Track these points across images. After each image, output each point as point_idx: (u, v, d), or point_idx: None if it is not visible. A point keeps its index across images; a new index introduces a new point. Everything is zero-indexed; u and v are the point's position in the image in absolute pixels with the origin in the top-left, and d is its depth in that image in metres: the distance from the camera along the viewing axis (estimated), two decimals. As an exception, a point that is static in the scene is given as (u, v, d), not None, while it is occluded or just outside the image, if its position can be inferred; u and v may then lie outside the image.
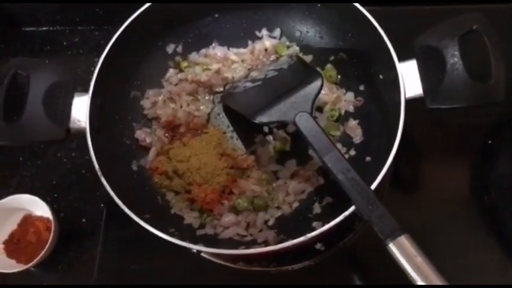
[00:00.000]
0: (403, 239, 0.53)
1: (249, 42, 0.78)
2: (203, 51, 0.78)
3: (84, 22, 0.95)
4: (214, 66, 0.76)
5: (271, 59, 0.77)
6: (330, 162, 0.58)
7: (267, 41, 0.77)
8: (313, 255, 0.70)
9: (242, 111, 0.66)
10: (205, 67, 0.76)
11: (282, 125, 0.70)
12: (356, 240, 0.71)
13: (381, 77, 0.68)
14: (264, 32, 0.78)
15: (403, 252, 0.52)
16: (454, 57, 0.59)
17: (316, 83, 0.62)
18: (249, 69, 0.76)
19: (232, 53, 0.77)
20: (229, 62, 0.77)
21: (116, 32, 0.70)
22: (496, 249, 0.69)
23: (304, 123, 0.60)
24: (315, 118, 0.61)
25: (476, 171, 0.75)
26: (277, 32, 0.78)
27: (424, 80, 0.61)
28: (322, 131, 0.59)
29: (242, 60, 0.77)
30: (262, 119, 0.62)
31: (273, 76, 0.69)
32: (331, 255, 0.70)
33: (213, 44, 0.78)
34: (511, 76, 0.59)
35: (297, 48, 0.77)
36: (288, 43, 0.78)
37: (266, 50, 0.77)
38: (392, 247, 0.53)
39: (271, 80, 0.68)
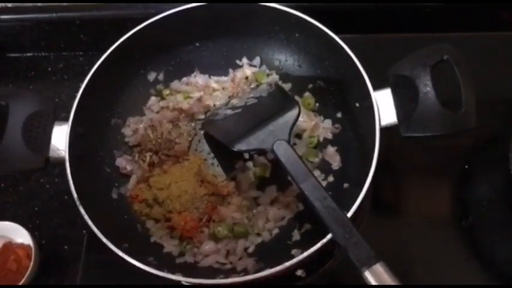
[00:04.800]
0: (378, 267, 0.53)
1: (230, 70, 0.80)
2: (185, 79, 0.79)
3: (68, 48, 0.96)
4: (196, 95, 0.77)
5: (252, 86, 0.78)
6: (307, 190, 0.59)
7: (247, 69, 0.78)
8: (295, 281, 0.70)
9: (221, 139, 0.67)
10: (186, 95, 0.77)
11: (261, 152, 0.71)
12: (337, 265, 0.72)
13: (357, 104, 0.69)
14: (245, 60, 0.79)
15: (378, 279, 0.53)
16: (426, 87, 0.61)
17: (294, 112, 0.63)
18: (229, 97, 0.77)
19: (214, 81, 0.79)
20: (210, 89, 0.78)
21: (99, 58, 0.71)
22: (475, 272, 0.70)
23: (282, 151, 0.61)
24: (292, 146, 0.62)
25: (454, 195, 0.76)
26: (257, 60, 0.79)
27: (398, 108, 0.63)
28: (300, 158, 0.60)
29: (223, 88, 0.78)
30: (241, 147, 0.63)
31: (253, 104, 0.70)
32: (312, 281, 0.70)
33: (195, 73, 0.80)
34: (483, 101, 0.61)
35: (277, 76, 0.79)
36: (267, 71, 0.79)
37: (247, 78, 0.78)
38: (367, 275, 0.53)
39: (251, 107, 0.69)
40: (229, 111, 0.71)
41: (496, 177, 0.78)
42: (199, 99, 0.76)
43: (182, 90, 0.78)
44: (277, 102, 0.68)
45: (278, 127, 0.62)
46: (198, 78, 0.79)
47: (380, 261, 0.54)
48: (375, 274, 0.53)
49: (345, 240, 0.55)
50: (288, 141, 0.61)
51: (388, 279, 0.53)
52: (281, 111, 0.64)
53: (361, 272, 0.54)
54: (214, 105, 0.77)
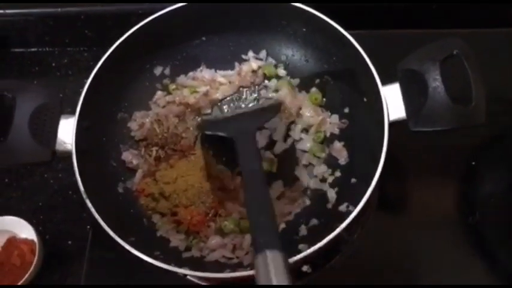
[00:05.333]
0: (273, 255, 0.49)
1: (236, 64, 0.79)
2: (191, 74, 0.79)
3: (73, 43, 0.96)
4: (202, 89, 0.77)
5: (258, 79, 0.78)
6: (248, 178, 0.59)
7: (253, 62, 0.78)
8: (301, 277, 0.69)
9: (202, 122, 0.73)
10: (193, 90, 0.77)
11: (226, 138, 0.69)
12: (343, 261, 0.71)
13: (365, 99, 0.69)
14: (250, 54, 0.79)
15: (264, 267, 0.49)
16: (435, 81, 0.60)
17: (269, 115, 0.70)
18: (240, 87, 0.78)
19: (220, 75, 0.79)
20: (217, 84, 0.78)
21: (104, 54, 0.70)
22: (482, 269, 0.70)
23: (241, 141, 0.63)
24: (255, 141, 0.65)
25: (461, 192, 0.75)
26: (263, 53, 0.79)
27: (407, 103, 0.62)
28: (257, 152, 0.63)
29: (230, 82, 0.78)
30: (209, 129, 0.71)
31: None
32: (318, 277, 0.70)
33: (201, 67, 0.79)
34: (491, 99, 0.61)
35: (284, 71, 0.78)
36: (274, 62, 0.79)
37: (253, 71, 0.78)
38: (259, 259, 0.50)
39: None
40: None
41: (503, 174, 0.78)
42: (206, 94, 0.76)
43: (188, 85, 0.78)
44: (266, 106, 0.74)
45: (249, 122, 0.68)
46: (205, 73, 0.78)
47: (277, 251, 0.50)
48: (264, 262, 0.49)
49: (257, 221, 0.54)
50: (251, 136, 0.64)
51: (276, 271, 0.48)
52: (262, 111, 0.71)
53: (255, 255, 0.50)
54: (221, 99, 0.77)
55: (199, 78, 0.78)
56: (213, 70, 0.79)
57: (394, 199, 0.77)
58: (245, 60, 0.80)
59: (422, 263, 0.70)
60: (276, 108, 0.72)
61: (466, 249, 0.71)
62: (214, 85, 0.78)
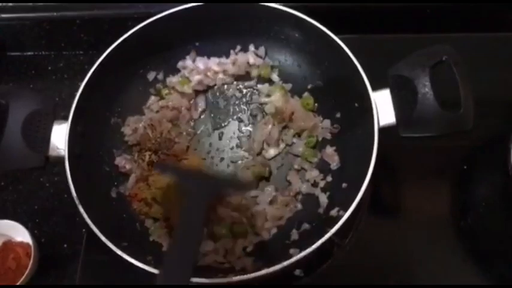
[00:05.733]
0: None
1: (231, 51, 0.79)
2: (180, 63, 0.79)
3: (69, 47, 0.96)
4: (196, 78, 0.77)
5: (254, 73, 0.79)
6: None
7: (251, 55, 0.78)
8: (293, 281, 0.70)
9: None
10: (185, 81, 0.77)
11: None
12: (335, 265, 0.72)
13: (356, 105, 0.69)
14: (251, 47, 0.79)
15: None
16: (425, 87, 0.61)
17: (230, 189, 0.68)
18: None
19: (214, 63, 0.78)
20: (211, 72, 0.78)
21: (99, 58, 0.71)
22: (474, 272, 0.70)
23: (188, 201, 0.58)
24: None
25: (453, 196, 0.76)
26: (261, 50, 0.79)
27: (397, 108, 0.63)
28: (198, 217, 0.57)
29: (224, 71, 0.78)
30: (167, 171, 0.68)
31: None
32: (310, 280, 0.70)
33: (190, 54, 0.79)
34: (482, 102, 0.62)
35: (277, 77, 0.79)
36: (271, 63, 0.79)
37: (249, 63, 0.78)
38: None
39: None
40: None
41: (495, 178, 0.78)
42: (200, 82, 0.77)
43: (179, 78, 0.78)
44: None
45: (207, 187, 0.61)
46: (198, 62, 0.78)
47: None
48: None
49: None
50: (198, 201, 0.58)
51: None
52: (227, 182, 0.69)
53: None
54: (215, 84, 0.77)
55: (188, 66, 0.78)
56: (205, 57, 0.79)
57: (386, 203, 0.77)
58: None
59: (414, 267, 0.71)
60: (244, 186, 0.69)
61: (459, 252, 0.71)
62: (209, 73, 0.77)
